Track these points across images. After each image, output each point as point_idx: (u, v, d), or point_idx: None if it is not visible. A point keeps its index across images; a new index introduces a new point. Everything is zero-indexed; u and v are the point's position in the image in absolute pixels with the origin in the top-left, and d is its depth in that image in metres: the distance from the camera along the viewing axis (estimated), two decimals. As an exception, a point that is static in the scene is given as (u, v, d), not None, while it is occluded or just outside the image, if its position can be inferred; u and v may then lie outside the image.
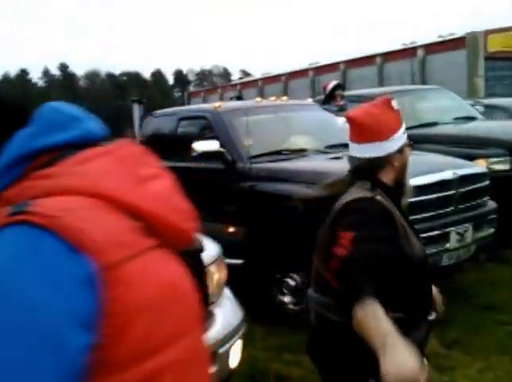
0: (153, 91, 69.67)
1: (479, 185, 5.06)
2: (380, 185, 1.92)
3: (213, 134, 5.46)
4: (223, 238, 4.53)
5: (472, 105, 8.36)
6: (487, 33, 20.33)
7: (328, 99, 7.95)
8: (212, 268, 2.88)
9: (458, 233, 4.65)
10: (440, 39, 21.80)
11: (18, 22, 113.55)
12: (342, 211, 1.87)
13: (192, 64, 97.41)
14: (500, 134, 6.68)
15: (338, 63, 28.47)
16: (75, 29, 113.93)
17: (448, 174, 4.78)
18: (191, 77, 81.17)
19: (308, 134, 5.75)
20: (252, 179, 5.01)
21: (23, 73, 74.83)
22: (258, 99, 6.44)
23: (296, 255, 4.42)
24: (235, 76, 67.27)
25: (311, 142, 5.56)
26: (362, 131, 1.95)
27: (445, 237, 4.56)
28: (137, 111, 12.60)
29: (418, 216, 4.31)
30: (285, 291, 4.66)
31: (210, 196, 5.14)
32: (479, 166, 5.53)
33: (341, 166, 4.26)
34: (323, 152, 5.29)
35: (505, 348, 3.85)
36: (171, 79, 78.50)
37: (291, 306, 4.66)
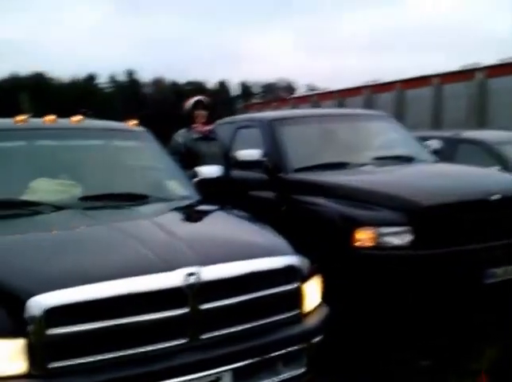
0: (215, 101, 70.63)
1: (261, 293, 2.78)
2: None
3: None
4: None
5: (425, 139, 6.06)
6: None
7: (188, 122, 5.82)
8: None
9: None
10: (501, 62, 20.36)
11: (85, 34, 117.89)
12: None
13: (259, 77, 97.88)
14: (406, 188, 4.29)
15: (394, 82, 27.46)
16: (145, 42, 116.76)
17: (176, 279, 2.54)
18: (256, 89, 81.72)
19: (80, 178, 3.75)
20: None
21: (91, 78, 77.05)
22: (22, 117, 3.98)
23: None
24: (301, 91, 66.85)
25: (72, 191, 3.60)
26: None
27: None
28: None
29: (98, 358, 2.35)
30: None
31: None
32: (276, 258, 2.91)
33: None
34: (72, 207, 3.39)
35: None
36: (235, 91, 79.25)
37: None
